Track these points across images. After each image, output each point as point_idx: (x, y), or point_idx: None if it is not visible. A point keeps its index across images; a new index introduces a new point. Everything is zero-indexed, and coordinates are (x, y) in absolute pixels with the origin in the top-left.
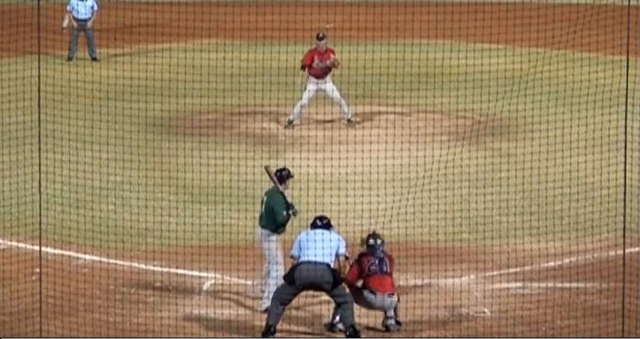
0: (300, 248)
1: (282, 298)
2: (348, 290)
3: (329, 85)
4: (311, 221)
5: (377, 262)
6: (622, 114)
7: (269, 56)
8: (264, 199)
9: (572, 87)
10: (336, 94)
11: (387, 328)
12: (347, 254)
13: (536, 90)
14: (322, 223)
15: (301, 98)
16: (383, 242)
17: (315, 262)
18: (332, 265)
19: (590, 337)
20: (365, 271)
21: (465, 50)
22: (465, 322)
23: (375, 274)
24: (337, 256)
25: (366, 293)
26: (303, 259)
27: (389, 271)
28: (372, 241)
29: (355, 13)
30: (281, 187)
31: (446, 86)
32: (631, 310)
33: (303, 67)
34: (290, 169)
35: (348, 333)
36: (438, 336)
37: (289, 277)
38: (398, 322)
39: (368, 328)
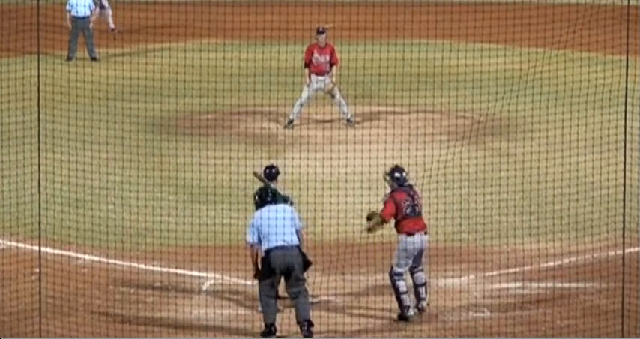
0: (261, 234)
1: (269, 292)
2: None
3: (328, 85)
4: (256, 198)
5: (411, 204)
6: (622, 114)
7: (269, 56)
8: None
9: (572, 87)
10: (336, 94)
11: (420, 310)
12: (304, 227)
13: (536, 90)
14: (269, 196)
15: (300, 97)
16: (407, 173)
17: (289, 247)
18: (299, 243)
19: (589, 337)
20: (402, 213)
21: (465, 50)
22: (464, 322)
23: (409, 218)
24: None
25: (402, 238)
26: (271, 245)
27: (420, 211)
28: (397, 174)
29: (355, 13)
30: (272, 184)
31: (446, 86)
32: (631, 310)
33: (306, 65)
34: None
35: (305, 327)
36: (438, 336)
37: (267, 269)
38: (422, 308)
39: (368, 329)
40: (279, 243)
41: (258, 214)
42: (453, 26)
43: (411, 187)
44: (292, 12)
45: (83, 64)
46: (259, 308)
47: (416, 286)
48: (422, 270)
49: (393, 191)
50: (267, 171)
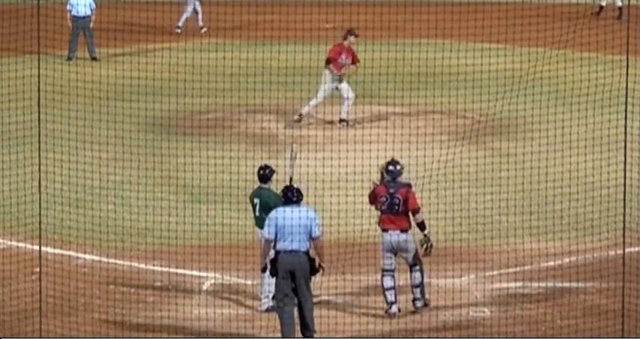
0: (277, 232)
1: (285, 302)
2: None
3: (344, 85)
4: (282, 194)
5: (388, 201)
6: (622, 114)
7: (269, 56)
8: (256, 201)
9: (572, 87)
10: (351, 95)
11: (416, 310)
12: (321, 235)
13: (536, 90)
14: (295, 197)
15: (316, 96)
16: (402, 168)
17: (298, 252)
18: (309, 249)
19: (590, 336)
20: (378, 207)
21: (465, 50)
22: (465, 322)
23: (385, 214)
24: (313, 239)
25: (381, 233)
26: (280, 247)
27: (401, 210)
28: (391, 167)
29: (355, 13)
30: (267, 185)
31: (446, 86)
32: (631, 310)
33: (328, 61)
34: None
35: (304, 334)
36: (438, 336)
37: (274, 269)
38: (425, 304)
39: (368, 329)
40: (289, 247)
41: (278, 211)
42: (453, 26)
43: (408, 185)
44: (292, 12)
45: (83, 64)
46: (262, 306)
47: (411, 286)
48: (418, 270)
49: (380, 182)
50: (262, 171)
